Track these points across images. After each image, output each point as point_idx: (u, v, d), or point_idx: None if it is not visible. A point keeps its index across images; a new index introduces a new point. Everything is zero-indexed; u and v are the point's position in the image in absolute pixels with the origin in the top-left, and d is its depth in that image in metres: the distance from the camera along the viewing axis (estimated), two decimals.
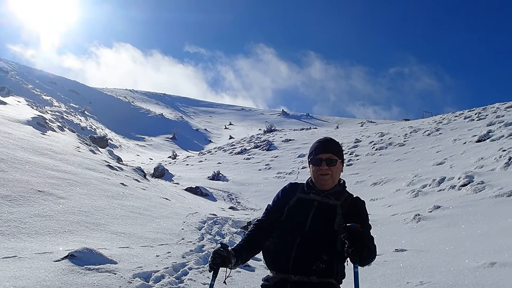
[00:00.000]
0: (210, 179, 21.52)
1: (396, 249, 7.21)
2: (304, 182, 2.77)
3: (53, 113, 21.98)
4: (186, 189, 16.60)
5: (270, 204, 2.81)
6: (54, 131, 13.24)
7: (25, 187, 6.66)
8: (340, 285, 2.59)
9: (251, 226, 2.79)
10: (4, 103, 13.52)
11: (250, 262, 5.97)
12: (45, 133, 11.95)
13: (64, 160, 9.65)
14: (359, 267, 2.31)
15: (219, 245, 2.56)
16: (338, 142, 2.75)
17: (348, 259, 2.39)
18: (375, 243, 2.45)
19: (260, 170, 24.38)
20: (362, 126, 47.59)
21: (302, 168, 22.91)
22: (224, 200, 16.98)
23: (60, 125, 15.19)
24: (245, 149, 32.36)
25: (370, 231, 2.53)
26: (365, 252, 2.24)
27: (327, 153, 2.60)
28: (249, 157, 29.15)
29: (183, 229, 7.81)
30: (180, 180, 20.30)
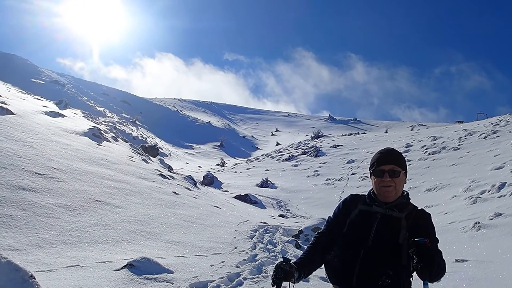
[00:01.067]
0: (259, 187, 21.57)
1: (456, 260, 6.93)
2: (366, 193, 2.70)
3: (106, 123, 22.76)
4: (235, 197, 16.71)
5: (331, 216, 2.75)
6: (109, 141, 13.70)
7: (84, 197, 6.91)
8: None
9: (313, 238, 2.74)
10: (63, 116, 14.12)
11: None
12: (101, 144, 12.37)
13: (119, 170, 9.95)
14: (429, 283, 2.22)
15: (281, 258, 2.52)
16: (401, 153, 2.67)
17: (416, 274, 2.30)
18: (443, 257, 2.34)
19: (308, 176, 24.20)
20: (412, 130, 46.33)
21: (351, 175, 22.55)
22: (274, 207, 16.95)
23: (114, 135, 15.70)
24: (292, 155, 32.25)
25: (438, 245, 2.43)
26: (435, 268, 2.15)
27: (389, 164, 2.52)
28: (297, 163, 29.01)
29: (235, 237, 7.84)
30: (229, 187, 20.47)
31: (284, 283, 2.49)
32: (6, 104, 11.36)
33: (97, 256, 4.81)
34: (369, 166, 2.68)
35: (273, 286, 2.47)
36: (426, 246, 2.16)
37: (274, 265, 2.48)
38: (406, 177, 2.62)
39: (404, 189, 2.62)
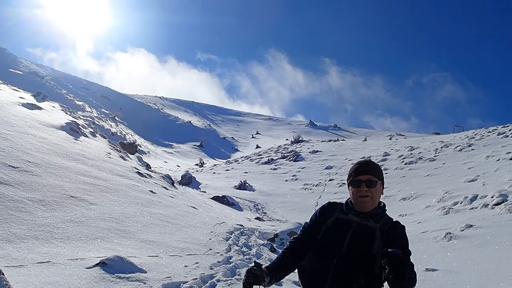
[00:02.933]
0: (237, 188, 21.57)
1: (426, 269, 7.04)
2: (343, 201, 2.72)
3: (85, 118, 22.46)
4: (212, 198, 16.67)
5: (307, 222, 2.78)
6: (87, 136, 13.51)
7: (58, 192, 6.80)
8: None
9: (288, 243, 2.76)
10: (40, 108, 13.86)
11: None
12: (78, 139, 12.19)
13: (95, 166, 9.82)
14: None
15: (253, 263, 2.53)
16: (378, 165, 2.70)
17: (387, 284, 2.32)
18: (414, 269, 2.37)
19: (287, 181, 24.31)
20: (391, 139, 46.96)
21: (329, 181, 22.73)
22: (251, 210, 16.96)
23: (92, 130, 15.49)
24: (272, 159, 32.34)
25: (410, 257, 2.47)
26: (406, 279, 2.17)
27: (367, 175, 2.55)
28: (276, 167, 29.11)
29: (210, 239, 7.81)
30: (207, 188, 20.40)
31: (255, 287, 2.50)
32: None
33: (69, 253, 4.73)
34: (347, 176, 2.72)
35: None
36: (399, 257, 2.18)
37: (246, 269, 2.49)
38: (383, 188, 2.65)
39: (380, 200, 2.66)
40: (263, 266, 2.53)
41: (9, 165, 6.86)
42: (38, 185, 6.65)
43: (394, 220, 2.61)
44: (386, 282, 2.33)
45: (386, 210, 2.65)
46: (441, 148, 25.83)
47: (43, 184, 6.83)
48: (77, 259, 4.55)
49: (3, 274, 2.29)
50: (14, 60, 52.64)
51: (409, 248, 2.49)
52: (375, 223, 2.53)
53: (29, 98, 15.66)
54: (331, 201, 2.83)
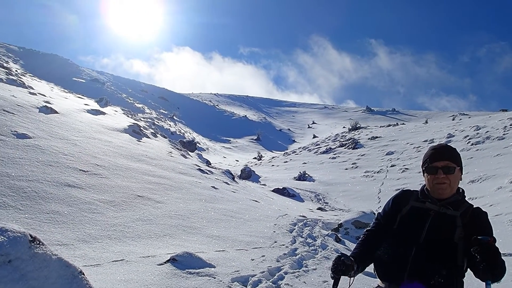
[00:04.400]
0: (296, 180, 21.52)
1: (503, 254, 6.69)
2: (418, 189, 2.62)
3: (145, 120, 23.23)
4: (273, 190, 16.73)
5: (380, 212, 2.70)
6: (148, 137, 13.97)
7: (126, 192, 7.08)
8: None
9: (362, 236, 2.70)
10: (103, 113, 14.49)
11: None
12: (141, 140, 12.64)
13: (159, 166, 10.14)
14: (491, 283, 2.12)
15: (339, 254, 2.51)
16: (455, 149, 2.57)
17: (473, 273, 2.22)
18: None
19: (346, 169, 23.95)
20: (454, 119, 45.00)
21: (391, 166, 22.15)
22: (312, 200, 16.87)
23: (153, 131, 16.00)
24: (330, 148, 31.97)
25: (496, 243, 2.34)
26: (499, 268, 2.06)
27: (443, 161, 2.43)
28: (334, 156, 28.75)
29: (274, 231, 7.84)
30: (267, 181, 20.50)
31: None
32: (50, 104, 11.76)
33: (141, 250, 4.91)
34: (421, 162, 2.60)
35: (333, 279, 2.47)
36: (490, 245, 2.08)
37: (334, 259, 2.47)
38: (462, 173, 2.52)
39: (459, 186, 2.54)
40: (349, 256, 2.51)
41: (80, 169, 7.23)
42: (107, 187, 6.95)
43: (475, 206, 2.48)
44: (472, 271, 2.23)
45: (465, 196, 2.52)
46: (510, 125, 24.41)
47: (112, 185, 7.14)
48: (149, 256, 4.72)
49: (83, 274, 2.41)
50: (77, 69, 55.28)
51: (494, 236, 2.37)
52: (455, 211, 2.41)
53: (93, 104, 16.42)
54: (404, 189, 2.73)
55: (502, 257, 2.19)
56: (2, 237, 2.04)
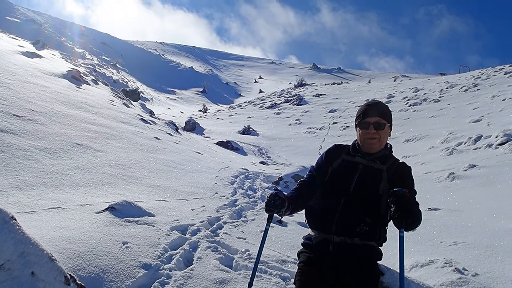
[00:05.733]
0: (241, 134, 21.66)
1: (429, 208, 7.17)
2: (350, 143, 2.74)
3: (86, 66, 22.24)
4: (217, 143, 16.79)
5: (314, 165, 2.80)
6: (89, 84, 13.44)
7: (64, 140, 6.85)
8: (381, 248, 2.61)
9: (295, 186, 2.80)
10: (40, 56, 13.71)
11: (283, 218, 6.06)
12: (80, 87, 12.14)
13: (99, 114, 9.84)
14: (404, 232, 2.30)
15: (275, 190, 2.60)
16: (387, 106, 2.68)
17: (392, 223, 2.38)
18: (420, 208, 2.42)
19: (290, 125, 24.33)
20: (395, 80, 46.47)
21: (333, 124, 22.74)
22: (255, 154, 17.11)
23: (94, 78, 15.39)
24: (275, 103, 32.23)
25: (416, 196, 2.51)
26: (411, 217, 2.22)
27: (375, 117, 2.55)
28: (279, 111, 29.06)
29: (216, 183, 7.94)
30: (211, 134, 20.50)
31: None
32: None
33: (79, 199, 4.83)
34: (355, 117, 2.71)
35: (268, 212, 2.58)
36: (405, 196, 2.23)
37: (268, 195, 2.56)
38: (391, 130, 2.65)
39: (387, 142, 2.67)
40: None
41: (14, 115, 6.88)
42: (44, 134, 6.69)
43: (400, 161, 2.64)
44: (392, 220, 2.39)
45: (392, 151, 2.67)
46: (446, 89, 25.58)
47: (49, 132, 6.87)
48: (87, 204, 4.66)
49: (15, 219, 2.35)
50: (11, 7, 51.48)
51: (415, 189, 2.54)
52: (382, 165, 2.56)
53: (29, 47, 15.45)
54: (337, 143, 2.84)
55: (419, 210, 2.36)
56: None
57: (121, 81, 39.76)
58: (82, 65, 21.01)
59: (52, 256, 2.60)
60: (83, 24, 65.41)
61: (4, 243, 2.23)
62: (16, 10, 52.01)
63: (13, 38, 17.35)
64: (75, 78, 12.60)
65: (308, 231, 2.73)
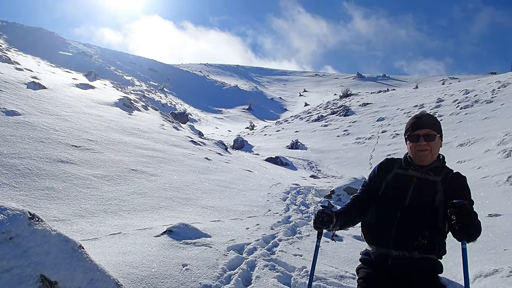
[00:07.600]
0: (289, 148, 21.65)
1: (489, 214, 6.87)
2: (401, 157, 2.73)
3: (135, 92, 23.05)
4: (266, 160, 16.85)
5: (366, 180, 2.80)
6: (139, 110, 13.92)
7: (120, 166, 7.12)
8: (440, 261, 2.56)
9: (349, 200, 2.80)
10: (93, 87, 14.37)
11: (339, 232, 5.98)
12: (132, 113, 12.59)
13: (151, 139, 10.15)
14: (466, 243, 2.26)
15: (322, 207, 2.62)
16: (436, 117, 2.67)
17: (452, 235, 2.34)
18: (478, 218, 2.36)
19: (338, 136, 24.08)
20: (443, 84, 45.10)
21: (382, 133, 22.30)
22: (305, 168, 17.03)
23: (144, 104, 15.92)
24: (322, 115, 32.04)
25: (473, 206, 2.46)
26: (473, 228, 2.19)
27: (424, 129, 2.54)
28: (326, 123, 28.85)
29: (268, 200, 7.97)
30: (259, 150, 20.61)
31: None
32: (38, 79, 11.62)
33: (137, 223, 4.99)
34: (404, 130, 2.71)
35: (317, 229, 2.63)
36: (465, 207, 2.20)
37: (316, 212, 2.60)
38: (442, 140, 2.63)
39: (440, 152, 2.64)
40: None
41: (72, 145, 7.23)
42: (101, 162, 6.98)
43: (454, 171, 2.60)
44: (451, 232, 2.35)
45: (445, 162, 2.64)
46: (498, 88, 24.51)
47: (105, 160, 7.16)
48: (145, 228, 4.80)
49: (82, 248, 2.47)
50: (63, 42, 54.32)
51: (472, 199, 2.49)
52: (436, 176, 2.54)
53: (82, 79, 16.24)
54: (388, 157, 2.84)
55: (479, 220, 2.31)
56: (2, 215, 2.09)
57: (169, 105, 40.83)
58: (132, 92, 21.80)
59: (118, 281, 2.70)
60: (121, 51, 67.92)
61: (74, 272, 2.34)
62: (67, 44, 54.85)
63: (67, 71, 18.31)
64: (126, 105, 13.09)
65: (365, 245, 2.71)
